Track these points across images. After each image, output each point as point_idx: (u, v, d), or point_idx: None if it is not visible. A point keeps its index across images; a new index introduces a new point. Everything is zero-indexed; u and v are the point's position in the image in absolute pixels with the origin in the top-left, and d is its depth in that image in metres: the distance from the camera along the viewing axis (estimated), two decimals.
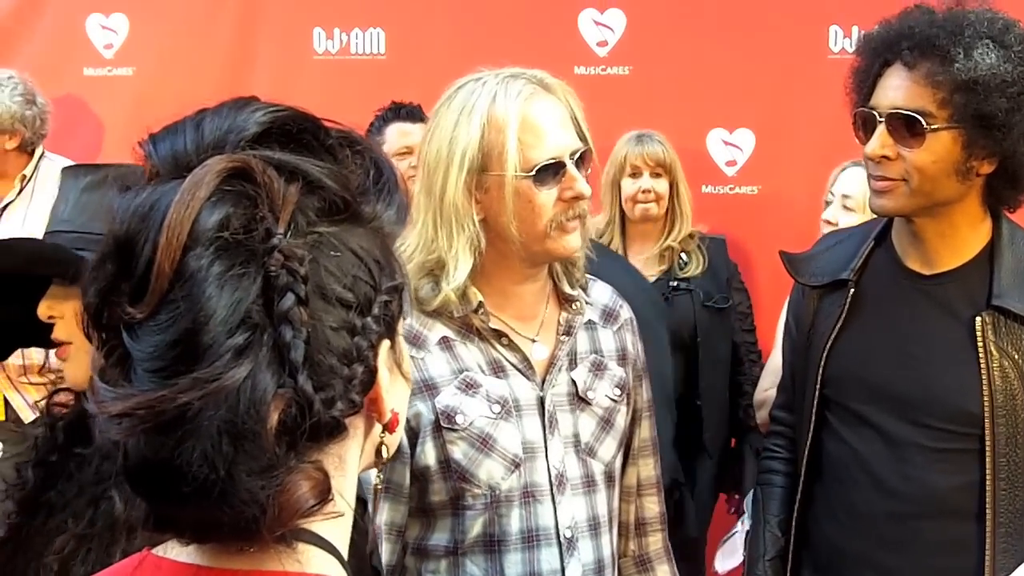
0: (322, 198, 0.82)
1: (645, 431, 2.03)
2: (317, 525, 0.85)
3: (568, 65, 4.15)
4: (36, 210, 3.79)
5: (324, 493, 0.81)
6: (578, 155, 1.75)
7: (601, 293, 1.99)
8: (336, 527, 0.88)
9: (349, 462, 0.89)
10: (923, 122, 1.82)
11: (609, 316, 1.97)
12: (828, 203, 3.35)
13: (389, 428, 0.91)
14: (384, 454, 0.93)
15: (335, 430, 0.82)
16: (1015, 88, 1.78)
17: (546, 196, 1.73)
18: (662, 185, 3.62)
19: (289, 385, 0.77)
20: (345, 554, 0.90)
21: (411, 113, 3.61)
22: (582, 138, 1.78)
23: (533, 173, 1.71)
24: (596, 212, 3.59)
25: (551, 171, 1.72)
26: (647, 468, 2.05)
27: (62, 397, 1.62)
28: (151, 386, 0.75)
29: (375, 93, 4.01)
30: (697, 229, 3.69)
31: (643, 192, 3.59)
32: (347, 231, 0.84)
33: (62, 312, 1.54)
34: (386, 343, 0.88)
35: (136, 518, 1.35)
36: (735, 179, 4.26)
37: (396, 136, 3.58)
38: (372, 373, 0.85)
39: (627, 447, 1.99)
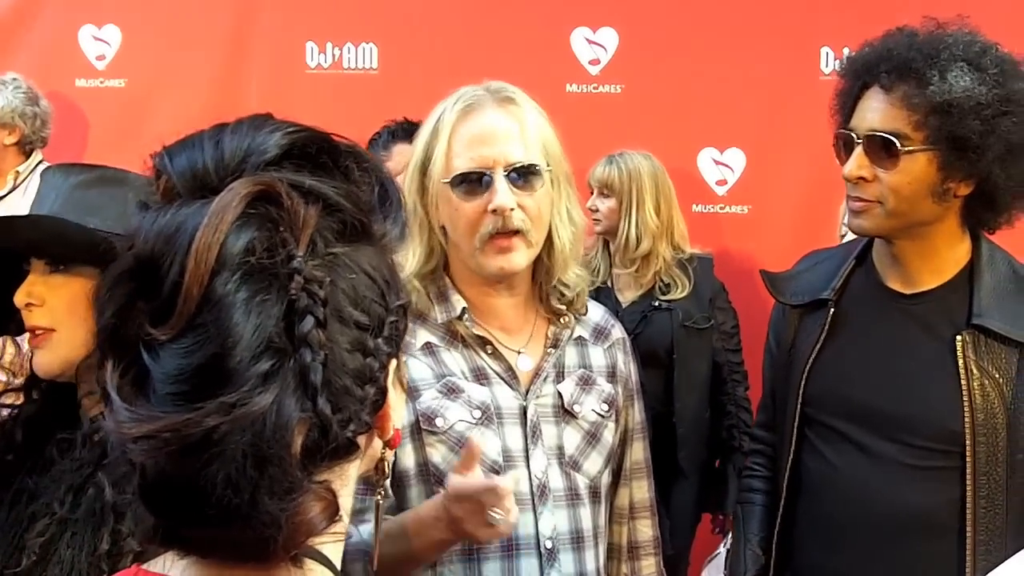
0: (340, 220, 0.83)
1: (638, 452, 2.02)
2: (318, 541, 0.85)
3: (560, 83, 4.18)
4: (25, 210, 3.80)
5: (334, 513, 0.81)
6: (514, 169, 1.74)
7: (592, 311, 1.98)
8: (335, 542, 0.89)
9: (352, 478, 0.89)
10: (897, 144, 1.83)
11: (600, 334, 1.97)
12: (843, 237, 3.35)
13: (391, 444, 0.92)
14: (387, 469, 0.94)
15: (349, 450, 0.83)
16: (989, 111, 1.78)
17: (471, 206, 1.74)
18: (606, 204, 3.66)
19: (309, 409, 0.77)
20: (339, 566, 0.90)
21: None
22: (537, 157, 1.77)
23: (450, 179, 1.74)
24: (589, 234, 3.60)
25: (475, 181, 1.74)
26: (640, 490, 2.03)
27: (9, 399, 1.61)
28: (174, 408, 0.74)
29: (367, 108, 4.02)
30: (693, 251, 3.69)
31: (590, 210, 3.66)
32: (359, 251, 0.84)
33: (42, 298, 1.51)
34: (394, 362, 0.88)
35: (123, 502, 1.36)
36: (725, 198, 4.27)
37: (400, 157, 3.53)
38: (383, 393, 0.86)
39: (619, 468, 1.99)
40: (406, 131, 3.55)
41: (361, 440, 0.86)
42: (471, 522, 1.57)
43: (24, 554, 1.44)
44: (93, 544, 1.41)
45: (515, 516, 1.59)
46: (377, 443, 0.91)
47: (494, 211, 1.72)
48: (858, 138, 1.88)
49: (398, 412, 0.92)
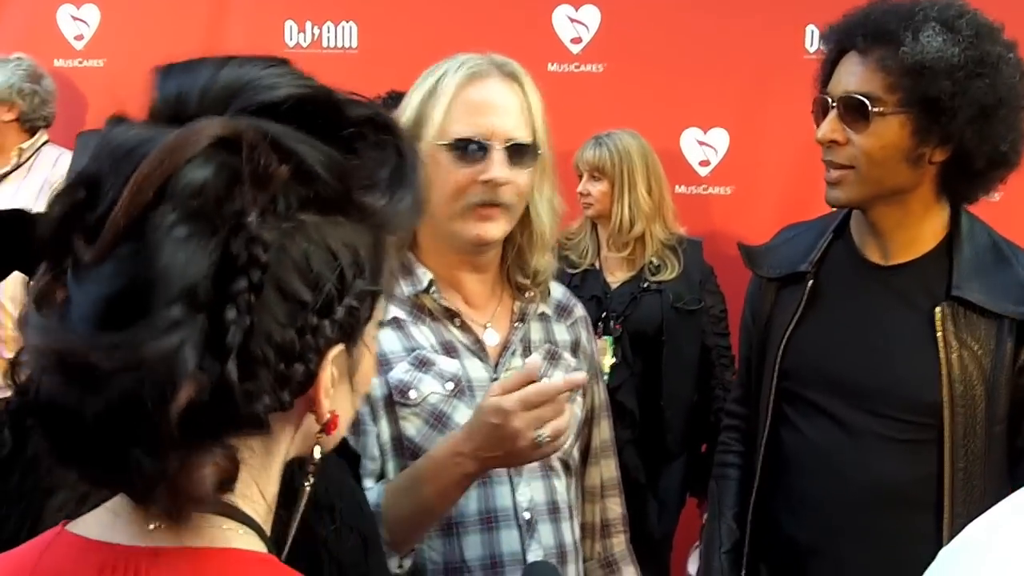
0: (311, 188, 0.78)
1: (605, 432, 2.03)
2: (242, 503, 0.83)
3: (542, 61, 4.13)
4: (28, 188, 3.91)
5: (228, 483, 0.78)
6: (513, 145, 1.73)
7: (554, 290, 1.98)
8: (258, 508, 0.85)
9: (273, 453, 0.85)
10: (869, 105, 1.82)
11: (563, 311, 1.97)
12: None
13: (327, 429, 0.87)
14: (317, 454, 0.89)
15: (255, 424, 0.78)
16: (961, 72, 1.77)
17: (463, 173, 1.72)
18: (597, 187, 3.65)
19: (213, 369, 0.73)
20: (269, 533, 0.87)
21: None
22: (533, 137, 1.76)
23: (448, 143, 1.72)
24: (569, 219, 3.57)
25: (473, 149, 1.72)
26: (609, 469, 2.04)
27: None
28: (77, 332, 0.71)
29: (347, 87, 3.97)
30: (678, 233, 3.68)
31: (580, 195, 3.66)
32: (332, 224, 0.80)
33: None
34: (339, 347, 0.83)
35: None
36: (708, 179, 4.25)
37: None
38: (311, 375, 0.81)
39: (587, 447, 1.99)
40: (396, 100, 3.52)
41: (283, 418, 0.83)
42: (519, 438, 1.55)
43: (42, 526, 1.43)
44: None
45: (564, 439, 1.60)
46: (312, 425, 0.87)
47: (486, 182, 1.71)
48: (833, 101, 1.88)
49: (340, 400, 0.87)
